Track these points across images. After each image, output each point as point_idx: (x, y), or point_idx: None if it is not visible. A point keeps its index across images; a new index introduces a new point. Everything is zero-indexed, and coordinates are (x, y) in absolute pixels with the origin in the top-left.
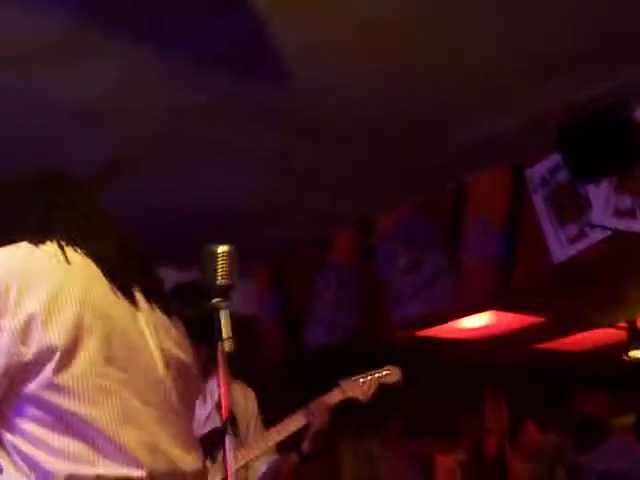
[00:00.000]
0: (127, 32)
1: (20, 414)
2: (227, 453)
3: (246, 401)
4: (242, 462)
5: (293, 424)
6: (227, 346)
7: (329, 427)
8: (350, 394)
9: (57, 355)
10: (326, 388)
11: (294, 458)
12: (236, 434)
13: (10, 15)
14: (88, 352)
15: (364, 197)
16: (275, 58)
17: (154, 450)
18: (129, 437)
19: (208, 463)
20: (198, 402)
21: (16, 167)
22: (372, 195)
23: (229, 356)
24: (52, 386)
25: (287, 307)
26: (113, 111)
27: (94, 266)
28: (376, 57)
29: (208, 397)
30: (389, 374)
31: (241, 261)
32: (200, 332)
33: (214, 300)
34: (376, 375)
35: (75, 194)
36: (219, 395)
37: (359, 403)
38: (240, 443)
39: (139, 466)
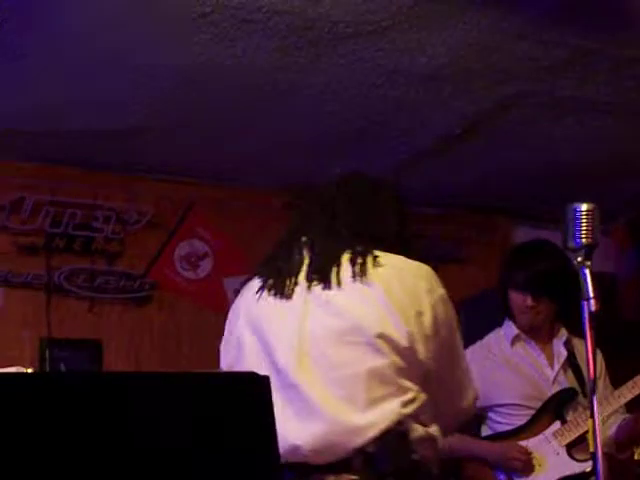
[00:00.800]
0: None
1: None
2: (595, 415)
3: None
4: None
5: None
6: (592, 305)
7: None
8: None
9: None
10: None
11: None
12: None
13: None
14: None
15: None
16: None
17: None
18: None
19: (558, 423)
20: (544, 362)
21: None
22: None
23: (592, 316)
24: None
25: None
26: (462, 74)
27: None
28: None
29: (555, 358)
30: None
31: (600, 219)
32: (550, 290)
33: (577, 259)
34: None
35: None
36: (568, 354)
37: None
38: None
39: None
